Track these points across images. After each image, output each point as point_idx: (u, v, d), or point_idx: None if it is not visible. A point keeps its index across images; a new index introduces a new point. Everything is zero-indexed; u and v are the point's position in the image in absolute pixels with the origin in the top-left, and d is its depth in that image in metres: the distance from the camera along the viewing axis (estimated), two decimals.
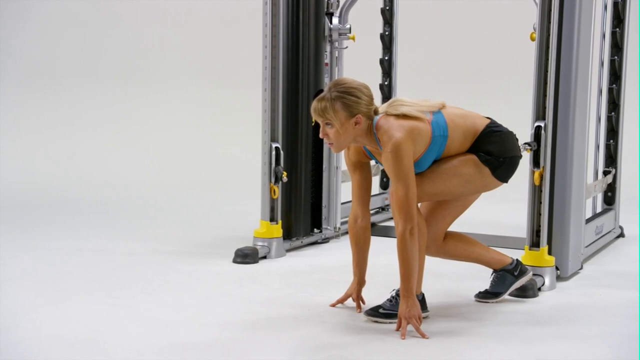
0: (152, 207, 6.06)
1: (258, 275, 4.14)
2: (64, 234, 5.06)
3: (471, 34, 7.92)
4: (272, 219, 4.52)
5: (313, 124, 4.74)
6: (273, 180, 4.48)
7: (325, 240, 4.88)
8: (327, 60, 4.84)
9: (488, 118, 3.47)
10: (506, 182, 3.46)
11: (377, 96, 5.71)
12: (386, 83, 5.73)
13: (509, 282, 3.65)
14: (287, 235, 4.65)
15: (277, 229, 4.52)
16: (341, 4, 4.94)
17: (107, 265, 4.29)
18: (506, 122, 3.54)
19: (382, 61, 5.72)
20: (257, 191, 4.56)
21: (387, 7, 5.69)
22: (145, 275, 4.10)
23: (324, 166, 4.90)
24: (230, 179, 6.94)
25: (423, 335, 3.17)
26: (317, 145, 4.85)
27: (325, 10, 4.81)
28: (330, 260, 4.47)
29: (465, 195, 3.47)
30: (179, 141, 7.70)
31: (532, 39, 4.00)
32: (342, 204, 5.00)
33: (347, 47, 4.93)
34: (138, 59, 8.10)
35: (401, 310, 3.21)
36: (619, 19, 4.89)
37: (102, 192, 6.55)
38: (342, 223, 4.97)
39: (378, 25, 5.73)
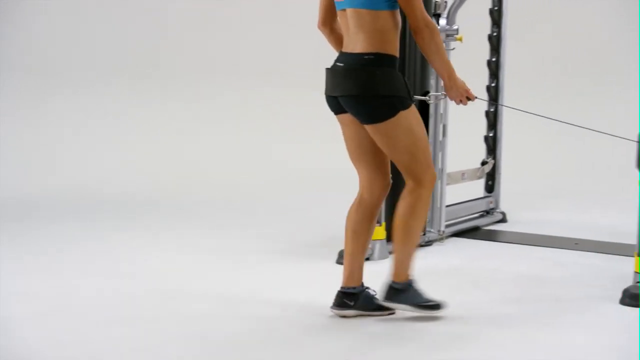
0: (252, 203, 6.08)
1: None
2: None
3: (581, 35, 7.69)
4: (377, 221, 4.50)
5: None
6: None
7: (429, 243, 4.84)
8: None
9: None
10: None
11: (484, 97, 5.68)
12: (493, 85, 5.63)
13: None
14: (390, 237, 4.62)
15: (381, 231, 4.50)
16: (449, 5, 4.87)
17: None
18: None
19: (489, 63, 5.62)
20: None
21: (496, 7, 5.59)
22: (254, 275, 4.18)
23: None
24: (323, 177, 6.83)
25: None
26: None
27: (433, 11, 4.76)
28: (432, 263, 4.43)
29: None
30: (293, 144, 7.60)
31: None
32: (447, 206, 4.94)
33: (454, 48, 4.86)
34: None
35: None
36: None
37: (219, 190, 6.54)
38: (447, 226, 4.91)
39: (486, 26, 5.63)
